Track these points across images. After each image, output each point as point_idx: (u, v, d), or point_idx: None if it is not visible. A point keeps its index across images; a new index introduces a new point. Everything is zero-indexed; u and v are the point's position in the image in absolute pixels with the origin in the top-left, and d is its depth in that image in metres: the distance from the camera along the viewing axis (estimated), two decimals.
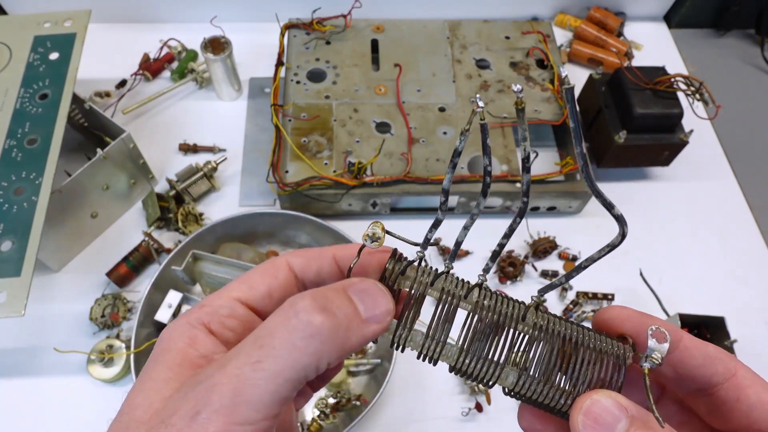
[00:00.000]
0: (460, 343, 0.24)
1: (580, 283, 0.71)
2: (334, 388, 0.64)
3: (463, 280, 0.26)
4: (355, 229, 0.67)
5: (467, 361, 0.24)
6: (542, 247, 0.72)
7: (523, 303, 0.25)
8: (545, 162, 0.79)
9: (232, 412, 0.20)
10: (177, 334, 0.24)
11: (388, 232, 0.25)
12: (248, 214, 0.69)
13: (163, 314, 0.63)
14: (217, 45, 0.79)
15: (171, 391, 0.22)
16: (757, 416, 0.23)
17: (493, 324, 0.24)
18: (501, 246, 0.25)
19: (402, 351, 0.25)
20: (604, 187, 0.78)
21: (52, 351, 0.61)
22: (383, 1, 0.87)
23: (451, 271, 0.26)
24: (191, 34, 0.86)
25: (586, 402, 0.22)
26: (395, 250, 0.26)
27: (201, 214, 0.74)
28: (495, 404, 0.63)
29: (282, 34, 0.80)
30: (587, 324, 0.30)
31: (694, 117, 0.73)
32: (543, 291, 0.25)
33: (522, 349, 0.24)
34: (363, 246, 0.25)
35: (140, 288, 0.69)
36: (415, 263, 0.26)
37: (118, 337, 0.64)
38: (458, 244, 0.25)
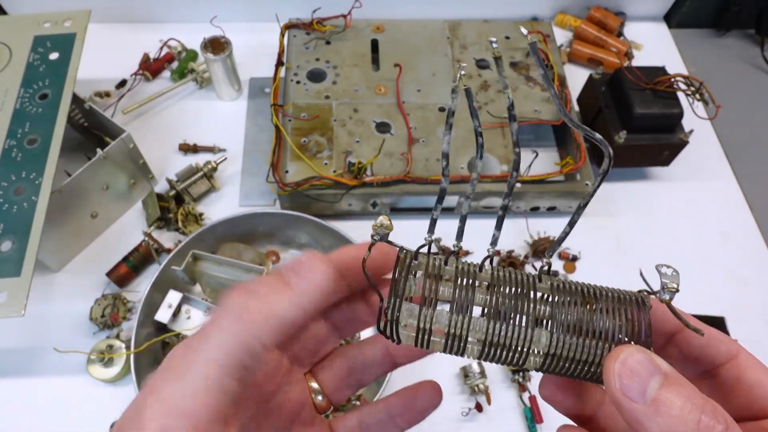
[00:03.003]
0: (485, 314, 0.25)
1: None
2: None
3: (470, 264, 0.26)
4: (355, 229, 0.67)
5: (498, 330, 0.24)
6: (542, 247, 0.72)
7: (530, 274, 0.26)
8: (545, 162, 0.79)
9: None
10: None
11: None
12: (248, 214, 0.69)
13: (163, 314, 0.63)
14: (217, 45, 0.79)
15: None
16: (757, 394, 0.24)
17: (513, 293, 0.25)
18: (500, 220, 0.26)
19: (426, 345, 0.25)
20: (603, 186, 0.79)
21: (52, 351, 0.61)
22: (383, 1, 0.87)
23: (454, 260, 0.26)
24: (191, 34, 0.86)
25: (623, 353, 0.22)
26: (402, 247, 0.27)
27: (201, 214, 0.74)
28: (495, 404, 0.63)
29: (282, 34, 0.80)
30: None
31: (694, 117, 0.73)
32: (551, 251, 0.26)
33: (546, 310, 0.25)
34: (373, 242, 0.26)
35: (140, 288, 0.69)
36: (424, 249, 0.26)
37: (118, 337, 0.64)
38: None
